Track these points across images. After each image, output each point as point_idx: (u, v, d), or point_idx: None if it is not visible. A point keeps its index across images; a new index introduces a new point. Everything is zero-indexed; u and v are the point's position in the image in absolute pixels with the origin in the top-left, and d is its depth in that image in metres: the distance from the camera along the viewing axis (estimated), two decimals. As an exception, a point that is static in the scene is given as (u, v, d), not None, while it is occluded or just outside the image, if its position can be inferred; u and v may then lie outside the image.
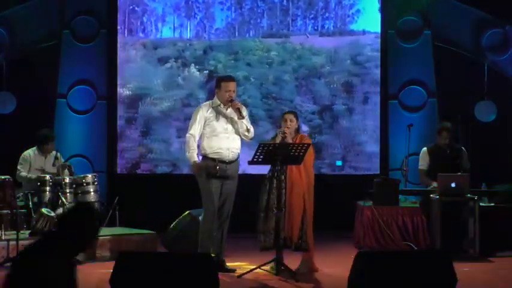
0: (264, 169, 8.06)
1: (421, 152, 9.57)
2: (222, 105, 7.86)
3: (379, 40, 11.24)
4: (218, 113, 7.85)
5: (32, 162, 9.57)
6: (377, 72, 11.25)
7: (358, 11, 11.28)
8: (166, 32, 11.24)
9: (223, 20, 11.29)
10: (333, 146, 11.27)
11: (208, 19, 11.27)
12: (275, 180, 7.76)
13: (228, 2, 11.28)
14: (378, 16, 11.25)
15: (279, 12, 11.29)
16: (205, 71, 11.21)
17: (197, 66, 11.20)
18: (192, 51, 11.20)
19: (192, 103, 11.00)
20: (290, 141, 7.86)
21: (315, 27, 11.29)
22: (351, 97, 11.27)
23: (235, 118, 7.79)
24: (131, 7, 11.25)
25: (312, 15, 11.29)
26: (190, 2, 11.25)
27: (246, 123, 7.85)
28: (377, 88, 11.26)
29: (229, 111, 7.86)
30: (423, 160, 9.51)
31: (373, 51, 11.24)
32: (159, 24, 11.25)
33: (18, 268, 4.27)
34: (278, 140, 7.83)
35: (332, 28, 11.27)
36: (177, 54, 11.20)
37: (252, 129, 7.92)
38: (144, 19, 11.25)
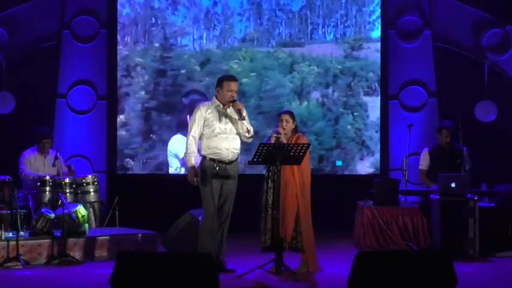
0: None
1: (422, 152, 9.65)
2: (221, 106, 7.83)
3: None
4: (217, 114, 7.80)
5: (31, 162, 9.58)
6: (377, 72, 11.24)
7: (378, 17, 11.23)
8: (186, 43, 11.18)
9: (242, 31, 11.24)
10: (333, 145, 11.26)
11: (228, 30, 11.22)
12: (270, 181, 7.75)
13: (246, 12, 11.23)
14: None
15: (297, 21, 11.23)
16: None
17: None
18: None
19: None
20: (285, 141, 7.81)
21: (336, 35, 11.21)
22: (351, 97, 11.26)
23: (235, 118, 7.77)
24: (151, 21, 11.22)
25: (333, 24, 11.22)
26: (209, 15, 11.20)
27: (246, 124, 7.81)
28: (377, 88, 11.25)
29: (229, 111, 7.82)
30: (423, 161, 9.60)
31: (374, 52, 11.25)
32: (179, 37, 11.19)
33: None
34: (273, 140, 7.78)
35: (353, 35, 11.20)
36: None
37: (252, 130, 7.88)
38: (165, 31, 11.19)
